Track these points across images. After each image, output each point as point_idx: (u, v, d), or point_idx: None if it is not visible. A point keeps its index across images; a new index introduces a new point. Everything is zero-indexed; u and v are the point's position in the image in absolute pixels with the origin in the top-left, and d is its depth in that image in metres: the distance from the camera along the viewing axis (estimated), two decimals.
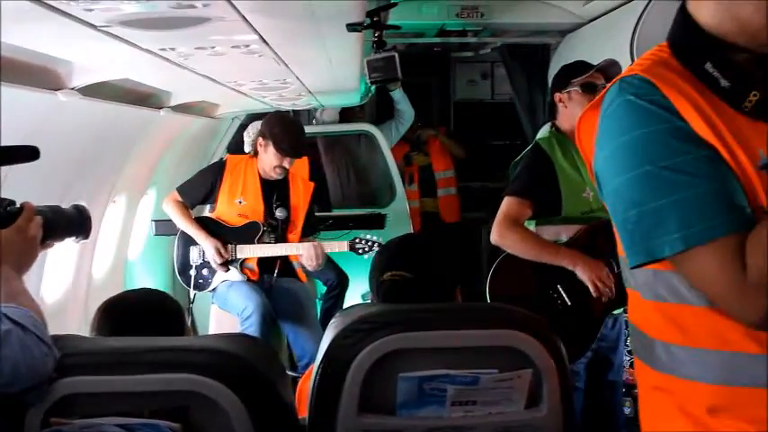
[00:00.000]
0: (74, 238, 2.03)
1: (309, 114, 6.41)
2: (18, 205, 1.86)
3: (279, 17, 1.97)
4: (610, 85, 1.44)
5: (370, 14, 2.17)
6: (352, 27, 2.17)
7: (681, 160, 1.29)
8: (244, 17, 1.89)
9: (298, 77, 3.34)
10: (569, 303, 3.19)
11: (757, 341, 1.31)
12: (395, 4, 2.27)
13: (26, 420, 1.66)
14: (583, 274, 3.09)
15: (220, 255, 4.28)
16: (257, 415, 1.71)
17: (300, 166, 5.20)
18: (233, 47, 2.41)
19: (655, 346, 1.44)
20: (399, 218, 5.81)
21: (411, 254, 2.17)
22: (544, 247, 3.16)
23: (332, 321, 1.98)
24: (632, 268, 1.41)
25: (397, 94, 6.57)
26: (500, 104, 7.56)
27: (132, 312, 2.11)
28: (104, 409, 1.70)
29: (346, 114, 6.51)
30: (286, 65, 2.84)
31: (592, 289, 3.07)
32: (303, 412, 1.98)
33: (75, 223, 2.02)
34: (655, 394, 1.47)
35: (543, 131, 3.46)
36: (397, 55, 2.65)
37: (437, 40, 5.88)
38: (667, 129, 1.31)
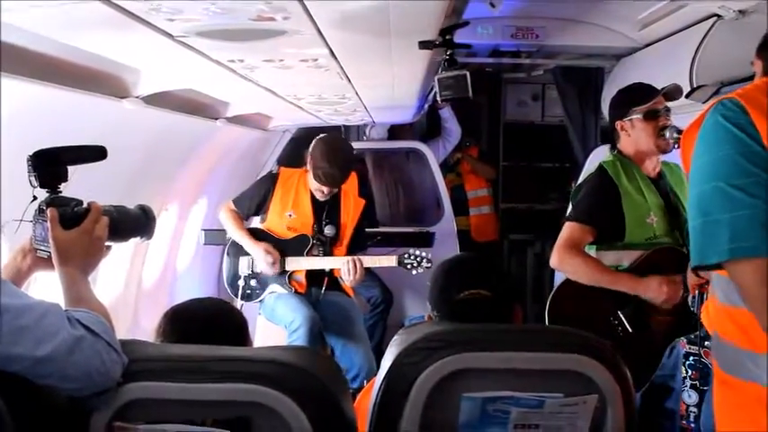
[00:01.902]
0: (139, 237, 2.05)
1: (359, 130, 6.44)
2: (85, 205, 1.89)
3: (354, 31, 1.98)
4: (713, 102, 1.57)
5: (442, 33, 2.17)
6: (423, 44, 2.17)
7: (748, 182, 1.43)
8: (320, 30, 1.90)
9: (357, 93, 3.35)
10: (630, 331, 3.15)
11: None
12: (467, 23, 2.27)
13: (91, 424, 1.67)
14: (646, 294, 3.07)
15: (272, 256, 4.29)
16: (319, 428, 1.70)
17: (350, 183, 5.22)
18: (301, 60, 2.42)
19: (723, 346, 1.62)
20: (446, 236, 5.79)
21: (486, 272, 2.14)
22: (604, 272, 3.13)
23: (394, 338, 1.97)
24: (692, 270, 1.60)
25: (446, 113, 6.58)
26: (550, 127, 7.51)
27: (199, 321, 2.11)
28: (168, 416, 1.70)
29: (395, 131, 6.53)
30: (349, 80, 2.85)
31: (660, 300, 3.04)
32: (361, 428, 1.97)
33: (140, 223, 2.04)
34: (721, 388, 1.65)
35: (599, 155, 3.43)
36: (468, 74, 2.65)
37: (490, 60, 5.87)
38: (743, 151, 1.45)
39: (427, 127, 7.01)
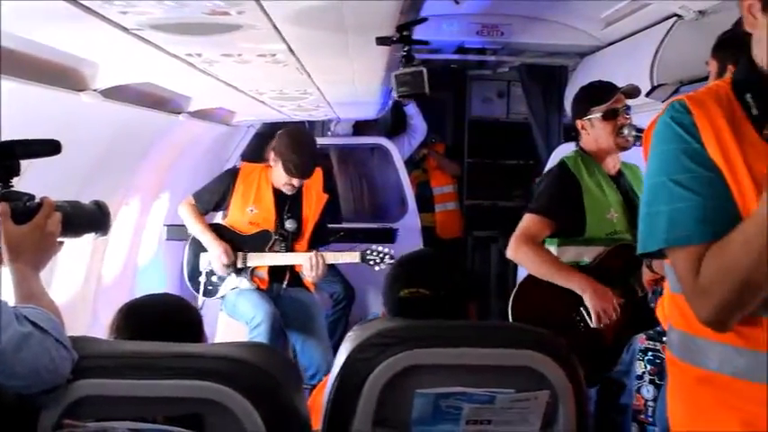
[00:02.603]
0: (93, 234, 2.03)
1: (324, 126, 6.43)
2: (37, 200, 1.86)
3: (310, 27, 1.98)
4: (668, 103, 1.66)
5: (399, 29, 2.17)
6: (381, 41, 2.17)
7: (688, 177, 1.55)
8: (275, 26, 1.89)
9: (319, 89, 3.34)
10: (592, 326, 3.17)
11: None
12: (425, 20, 2.27)
13: (40, 421, 1.65)
14: (590, 302, 3.09)
15: (227, 257, 4.27)
16: (272, 426, 1.70)
17: (315, 178, 5.21)
18: (259, 55, 2.41)
19: (671, 330, 1.74)
20: (411, 232, 5.80)
21: (428, 270, 2.15)
22: (556, 267, 3.15)
23: (349, 334, 1.97)
24: (639, 256, 1.71)
25: (412, 109, 6.58)
26: (515, 124, 7.55)
27: (152, 317, 2.10)
28: (119, 413, 1.68)
29: (360, 127, 6.52)
30: (309, 75, 2.84)
31: (594, 318, 3.08)
32: (315, 424, 1.97)
33: (95, 219, 2.01)
34: (670, 371, 1.75)
35: (562, 153, 3.46)
36: (425, 70, 2.65)
37: (455, 56, 5.88)
38: (685, 149, 1.57)
39: (392, 123, 7.01)
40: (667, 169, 1.58)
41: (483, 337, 1.89)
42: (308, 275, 4.28)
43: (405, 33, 2.19)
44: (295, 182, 4.30)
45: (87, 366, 1.69)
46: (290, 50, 2.29)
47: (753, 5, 1.56)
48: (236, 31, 1.96)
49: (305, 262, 4.25)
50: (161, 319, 2.09)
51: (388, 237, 5.56)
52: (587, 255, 3.22)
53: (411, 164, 6.84)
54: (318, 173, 4.62)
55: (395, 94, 2.72)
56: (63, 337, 1.65)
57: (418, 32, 5.57)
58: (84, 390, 1.67)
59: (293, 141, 4.26)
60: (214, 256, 4.31)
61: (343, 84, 3.32)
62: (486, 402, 1.82)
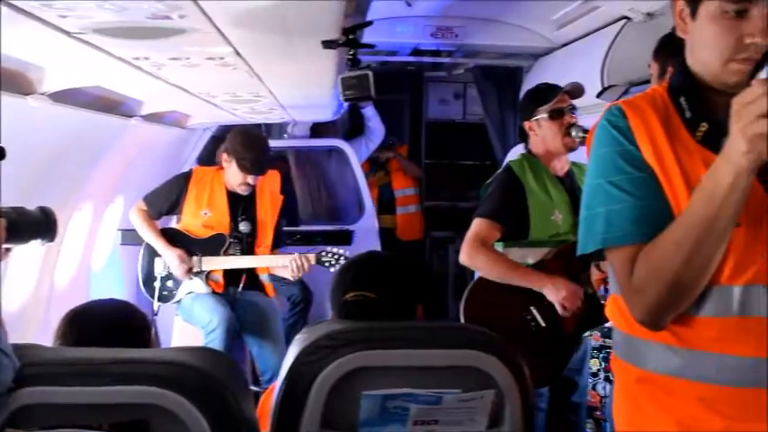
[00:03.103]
0: (39, 240, 2.01)
1: (281, 128, 6.41)
2: None
3: (254, 30, 1.97)
4: (607, 106, 1.70)
5: (345, 32, 2.18)
6: (326, 44, 2.18)
7: (621, 178, 1.59)
8: (219, 30, 1.89)
9: (271, 92, 3.34)
10: (543, 325, 3.20)
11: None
12: (370, 23, 2.28)
13: None
14: (550, 294, 3.11)
15: (184, 262, 4.25)
16: (218, 429, 1.69)
17: (271, 180, 5.20)
18: (207, 58, 2.40)
19: (614, 330, 1.77)
20: (368, 234, 5.81)
21: (373, 273, 2.17)
22: (512, 268, 3.17)
23: (297, 337, 1.98)
24: (578, 257, 1.76)
25: (369, 112, 6.60)
26: (471, 125, 7.59)
27: (98, 323, 2.08)
28: (63, 421, 1.67)
29: (317, 129, 6.51)
30: (260, 79, 2.84)
31: (559, 309, 3.09)
32: (265, 427, 1.97)
33: (40, 225, 1.99)
34: (615, 369, 1.79)
35: (518, 152, 3.49)
36: (371, 74, 2.66)
37: (411, 59, 5.92)
38: (619, 151, 1.61)
39: (350, 125, 7.01)
40: (604, 171, 1.63)
41: (429, 338, 1.90)
42: (291, 276, 4.30)
43: (351, 37, 2.20)
44: (250, 179, 4.28)
45: (30, 374, 1.66)
46: (238, 54, 2.28)
47: (683, 11, 1.60)
48: (180, 35, 1.95)
49: (291, 264, 4.25)
50: (107, 325, 2.08)
51: (345, 238, 5.57)
52: (531, 256, 3.24)
53: (375, 165, 6.85)
54: (275, 174, 4.62)
55: (341, 98, 2.73)
56: (4, 345, 1.63)
57: (372, 35, 5.59)
58: (27, 398, 1.65)
59: (246, 139, 4.27)
60: (172, 263, 4.28)
61: (294, 87, 3.32)
62: (432, 403, 1.83)
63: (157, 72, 2.65)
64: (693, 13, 1.57)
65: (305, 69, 2.72)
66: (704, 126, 1.58)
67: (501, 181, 3.34)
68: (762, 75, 1.35)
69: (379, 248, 5.66)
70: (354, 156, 6.10)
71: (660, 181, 1.57)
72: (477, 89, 6.45)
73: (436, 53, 5.85)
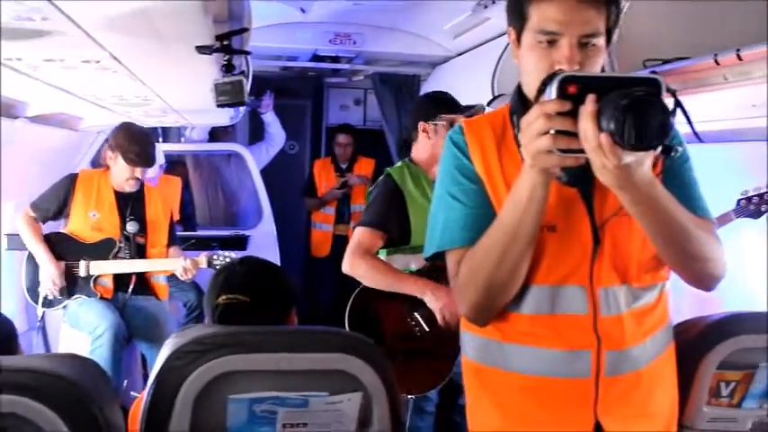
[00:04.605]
0: None
1: (179, 132, 6.34)
2: None
3: (125, 34, 1.96)
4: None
5: (219, 38, 2.18)
6: (200, 49, 2.18)
7: (456, 189, 1.77)
8: (88, 33, 1.87)
9: (158, 95, 3.30)
10: (428, 329, 3.24)
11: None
12: (245, 30, 2.29)
13: None
14: (430, 303, 3.14)
15: (56, 287, 4.19)
16: None
17: (173, 185, 5.16)
18: (84, 61, 2.37)
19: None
20: (266, 239, 5.79)
21: (246, 276, 2.17)
22: (393, 275, 3.19)
23: (166, 342, 1.96)
24: (426, 260, 1.91)
25: (269, 117, 6.58)
26: (371, 131, 7.65)
27: None
28: None
29: (216, 133, 6.46)
30: (142, 82, 2.81)
31: (438, 317, 3.13)
32: None
33: None
34: (462, 359, 1.95)
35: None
36: (244, 80, 2.66)
37: (310, 64, 5.94)
38: (457, 165, 1.79)
39: (250, 130, 6.98)
40: (445, 182, 1.81)
41: (297, 342, 1.91)
42: (181, 276, 4.27)
43: (225, 43, 2.20)
44: (138, 173, 4.24)
45: None
46: (114, 57, 2.26)
47: (514, 40, 1.75)
48: (47, 37, 1.92)
49: (180, 265, 4.22)
50: None
51: (241, 244, 5.55)
52: (414, 262, 3.27)
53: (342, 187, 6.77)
54: (177, 180, 4.57)
55: (215, 104, 2.72)
56: None
57: (271, 39, 5.58)
58: None
59: (129, 132, 4.24)
60: (45, 278, 4.20)
61: (179, 91, 3.29)
62: (300, 406, 1.85)
63: (34, 73, 2.60)
64: (518, 42, 1.73)
65: (186, 74, 2.70)
66: None
67: (381, 189, 3.35)
68: (544, 97, 1.45)
69: (276, 254, 5.66)
70: (253, 161, 6.07)
71: (488, 191, 1.75)
72: (375, 96, 6.51)
73: (336, 59, 5.88)
